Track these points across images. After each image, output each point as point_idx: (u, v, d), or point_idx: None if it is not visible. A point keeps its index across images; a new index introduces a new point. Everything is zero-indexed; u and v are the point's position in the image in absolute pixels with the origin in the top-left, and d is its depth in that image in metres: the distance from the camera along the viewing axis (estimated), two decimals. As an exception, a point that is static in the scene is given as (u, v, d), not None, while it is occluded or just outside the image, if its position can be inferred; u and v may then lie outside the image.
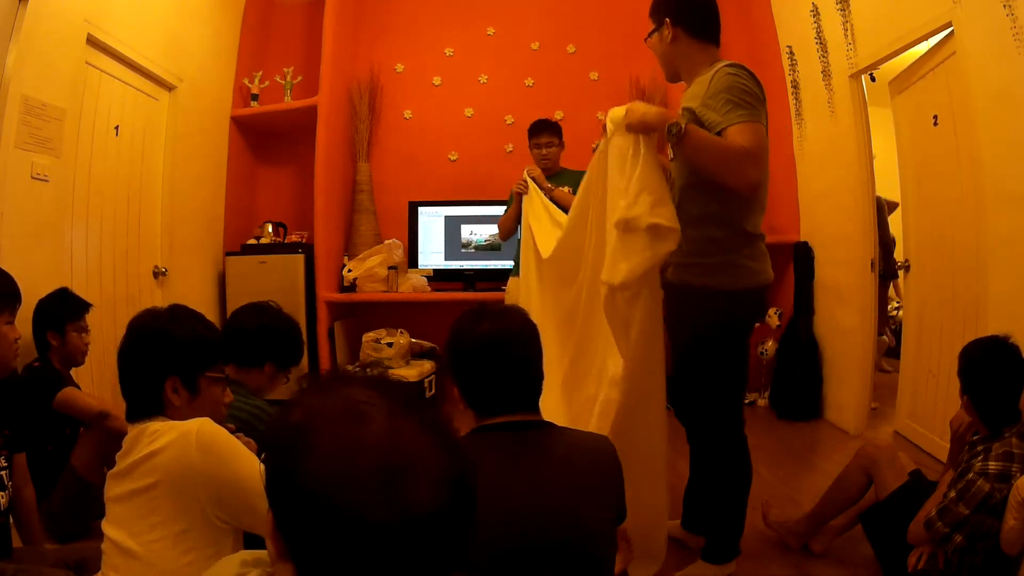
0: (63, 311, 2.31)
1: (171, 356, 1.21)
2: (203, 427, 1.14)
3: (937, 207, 3.13)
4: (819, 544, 2.17)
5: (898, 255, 3.69)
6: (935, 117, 3.03)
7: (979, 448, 1.74)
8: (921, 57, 3.11)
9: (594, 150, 1.94)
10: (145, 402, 1.20)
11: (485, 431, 1.19)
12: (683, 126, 1.63)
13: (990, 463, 1.65)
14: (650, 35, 1.94)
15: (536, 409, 1.24)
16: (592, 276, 1.94)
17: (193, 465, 1.10)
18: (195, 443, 1.11)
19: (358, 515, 0.50)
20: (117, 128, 3.15)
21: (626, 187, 1.69)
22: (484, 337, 1.21)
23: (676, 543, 2.20)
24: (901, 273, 3.53)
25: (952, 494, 1.69)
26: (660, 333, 1.81)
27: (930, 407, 3.14)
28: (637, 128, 1.70)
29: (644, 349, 1.75)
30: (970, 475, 1.67)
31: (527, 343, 1.24)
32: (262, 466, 0.57)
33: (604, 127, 1.89)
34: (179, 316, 1.27)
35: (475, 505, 0.57)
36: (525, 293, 2.53)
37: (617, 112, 1.78)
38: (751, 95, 1.70)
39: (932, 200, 3.18)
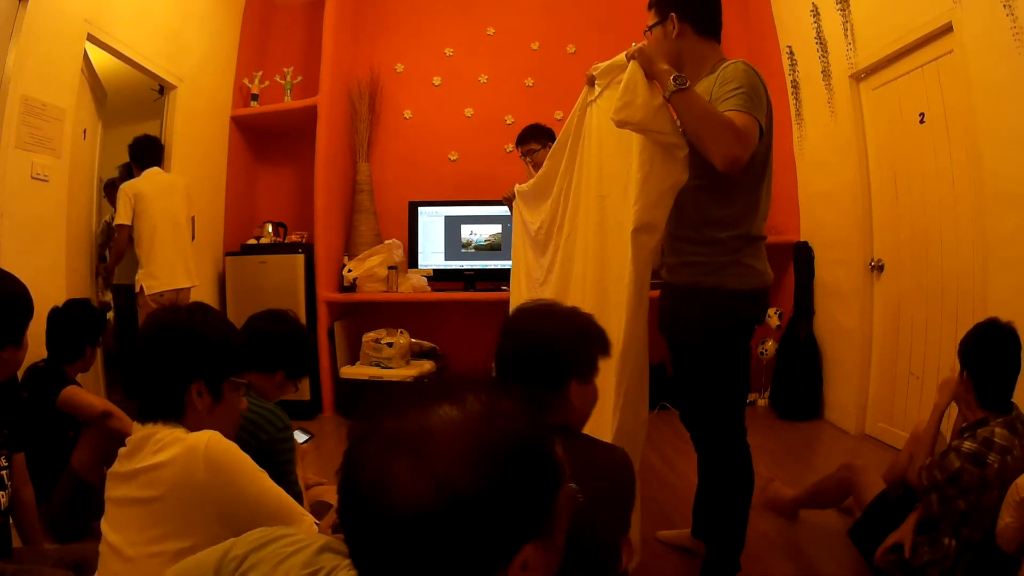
0: (101, 324, 2.36)
1: (200, 358, 1.15)
2: (211, 442, 1.08)
3: (920, 205, 3.09)
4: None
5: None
6: (921, 115, 3.01)
7: (966, 434, 1.78)
8: (900, 56, 3.07)
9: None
10: (164, 404, 1.14)
11: None
12: (687, 82, 1.61)
13: (965, 443, 1.71)
14: (652, 28, 1.89)
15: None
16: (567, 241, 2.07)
17: (200, 483, 1.06)
18: (203, 460, 1.06)
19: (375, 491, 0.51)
20: (84, 132, 3.08)
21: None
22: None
23: (686, 552, 2.18)
24: (874, 273, 3.49)
25: (934, 459, 1.78)
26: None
27: (913, 409, 3.09)
28: (642, 64, 1.66)
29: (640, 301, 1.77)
30: (946, 448, 1.76)
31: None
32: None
33: (591, 80, 1.89)
34: (209, 317, 1.22)
35: (538, 480, 0.55)
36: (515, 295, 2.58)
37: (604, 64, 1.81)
38: (756, 93, 1.69)
39: (913, 198, 3.14)
